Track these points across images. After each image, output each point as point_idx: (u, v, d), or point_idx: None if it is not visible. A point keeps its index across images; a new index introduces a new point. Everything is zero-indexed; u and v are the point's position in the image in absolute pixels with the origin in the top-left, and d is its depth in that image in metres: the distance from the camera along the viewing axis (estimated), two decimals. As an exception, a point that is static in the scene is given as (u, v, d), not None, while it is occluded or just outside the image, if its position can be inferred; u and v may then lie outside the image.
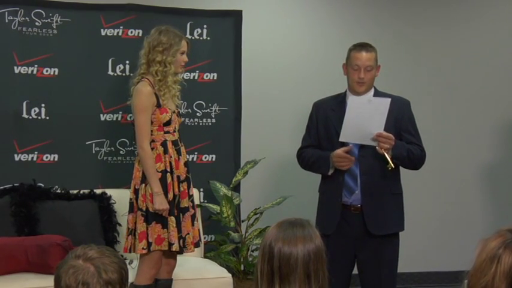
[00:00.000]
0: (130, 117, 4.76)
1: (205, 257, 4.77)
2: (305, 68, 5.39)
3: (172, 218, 3.93)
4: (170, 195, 3.95)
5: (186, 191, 4.04)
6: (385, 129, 3.76)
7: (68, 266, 1.85)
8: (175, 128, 4.03)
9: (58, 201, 4.53)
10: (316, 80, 5.35)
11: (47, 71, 4.74)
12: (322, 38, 5.42)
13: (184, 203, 4.03)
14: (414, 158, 3.87)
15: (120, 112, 4.88)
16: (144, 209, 3.93)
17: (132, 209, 4.00)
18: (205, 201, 5.04)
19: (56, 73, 4.77)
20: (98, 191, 4.65)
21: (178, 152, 4.02)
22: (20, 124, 4.70)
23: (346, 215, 3.87)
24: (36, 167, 4.72)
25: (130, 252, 3.99)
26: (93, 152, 4.86)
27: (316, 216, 4.00)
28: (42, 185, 4.59)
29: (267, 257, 2.11)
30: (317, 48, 5.40)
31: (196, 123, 5.07)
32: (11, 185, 4.50)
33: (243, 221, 4.98)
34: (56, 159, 4.79)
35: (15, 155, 4.71)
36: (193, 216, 4.09)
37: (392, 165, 3.73)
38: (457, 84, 5.66)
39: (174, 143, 4.01)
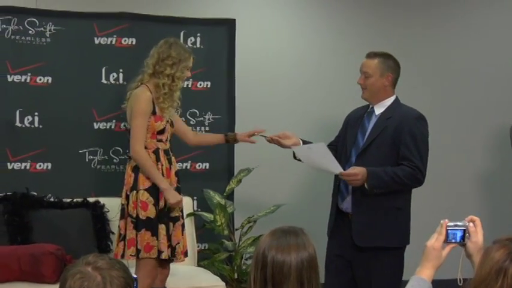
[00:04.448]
0: (123, 126, 4.76)
1: (198, 265, 4.77)
2: (299, 75, 5.40)
3: (163, 226, 3.93)
4: (162, 203, 3.95)
5: None
6: (381, 144, 3.77)
7: (76, 271, 1.86)
8: (167, 137, 4.04)
9: (51, 210, 4.52)
10: (310, 87, 5.37)
11: (40, 79, 4.74)
12: (315, 45, 5.43)
13: (175, 212, 4.04)
14: (401, 180, 3.73)
15: (114, 120, 4.88)
16: (134, 215, 3.93)
17: (123, 214, 4.00)
18: (199, 209, 5.03)
19: (49, 81, 4.76)
20: (91, 200, 4.65)
21: (169, 162, 4.03)
22: (13, 132, 4.69)
23: (344, 220, 3.87)
24: (29, 176, 4.71)
25: (122, 258, 3.99)
26: (87, 160, 4.85)
27: None
28: (35, 194, 4.58)
29: (260, 265, 2.11)
30: (311, 56, 5.42)
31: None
32: (4, 194, 4.49)
33: (236, 230, 4.97)
34: (49, 167, 4.78)
35: (8, 164, 4.69)
36: (182, 226, 4.10)
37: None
38: (450, 92, 5.68)
39: (166, 152, 4.02)
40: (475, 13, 5.75)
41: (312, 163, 3.95)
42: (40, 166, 4.76)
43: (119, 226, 4.04)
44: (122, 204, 4.02)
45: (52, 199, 4.60)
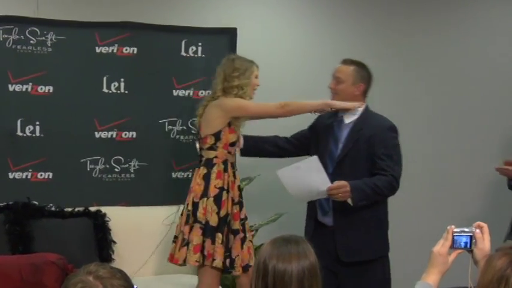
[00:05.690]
0: (125, 135, 4.77)
1: (200, 274, 4.75)
2: (300, 84, 5.40)
3: (219, 235, 3.96)
4: (223, 212, 3.99)
5: (238, 213, 4.10)
6: (355, 156, 3.79)
7: (77, 280, 1.86)
8: (234, 151, 4.12)
9: (52, 219, 4.52)
10: (312, 96, 5.33)
11: (41, 88, 4.74)
12: (317, 53, 5.44)
13: (236, 225, 4.08)
14: (380, 190, 3.78)
15: (115, 129, 4.87)
16: (203, 221, 3.98)
17: (188, 220, 4.04)
18: (201, 218, 5.02)
19: (51, 91, 4.76)
20: (93, 209, 4.65)
21: (234, 175, 4.10)
22: (14, 142, 4.68)
23: (324, 232, 3.85)
24: (30, 185, 4.70)
25: (184, 263, 4.03)
26: (88, 169, 4.85)
27: None
28: (37, 203, 4.57)
29: (261, 274, 2.11)
30: (313, 64, 5.42)
31: (191, 140, 5.06)
32: (5, 203, 4.49)
33: (238, 238, 4.96)
34: (50, 177, 4.77)
35: (9, 173, 4.69)
36: (243, 240, 4.11)
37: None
38: (453, 97, 5.68)
39: (232, 165, 4.12)
40: (478, 18, 5.76)
41: (295, 185, 3.86)
42: (41, 175, 4.76)
43: (183, 231, 4.06)
44: (188, 210, 4.05)
45: (53, 208, 4.59)
